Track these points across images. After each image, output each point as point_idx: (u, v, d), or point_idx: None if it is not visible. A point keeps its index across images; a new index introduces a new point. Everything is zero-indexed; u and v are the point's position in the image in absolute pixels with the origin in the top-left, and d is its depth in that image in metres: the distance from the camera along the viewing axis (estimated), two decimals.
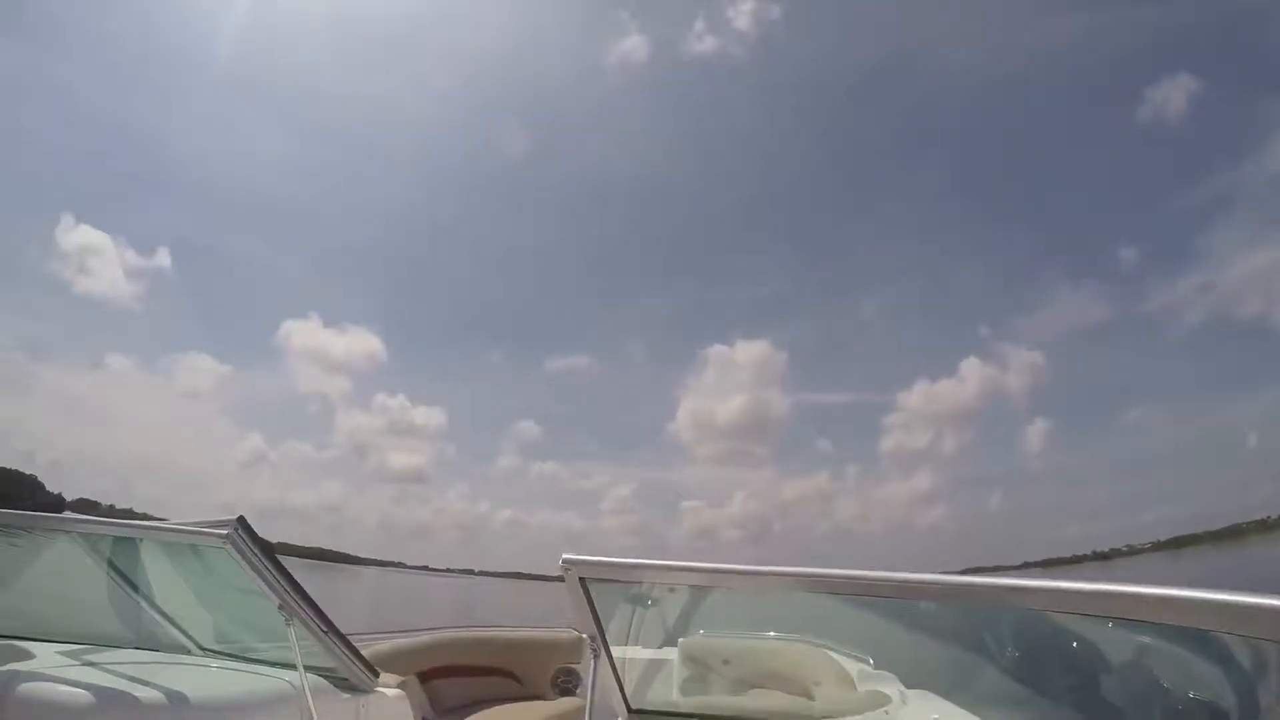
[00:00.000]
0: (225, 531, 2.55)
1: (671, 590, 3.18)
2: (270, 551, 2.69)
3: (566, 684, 5.51)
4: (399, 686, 3.28)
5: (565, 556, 2.13)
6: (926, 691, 2.98)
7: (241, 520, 2.60)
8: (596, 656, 2.47)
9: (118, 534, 3.04)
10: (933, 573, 1.70)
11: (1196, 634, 1.47)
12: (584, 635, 2.48)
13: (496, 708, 4.81)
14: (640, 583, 2.59)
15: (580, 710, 3.13)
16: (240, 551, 2.57)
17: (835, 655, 3.37)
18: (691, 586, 3.13)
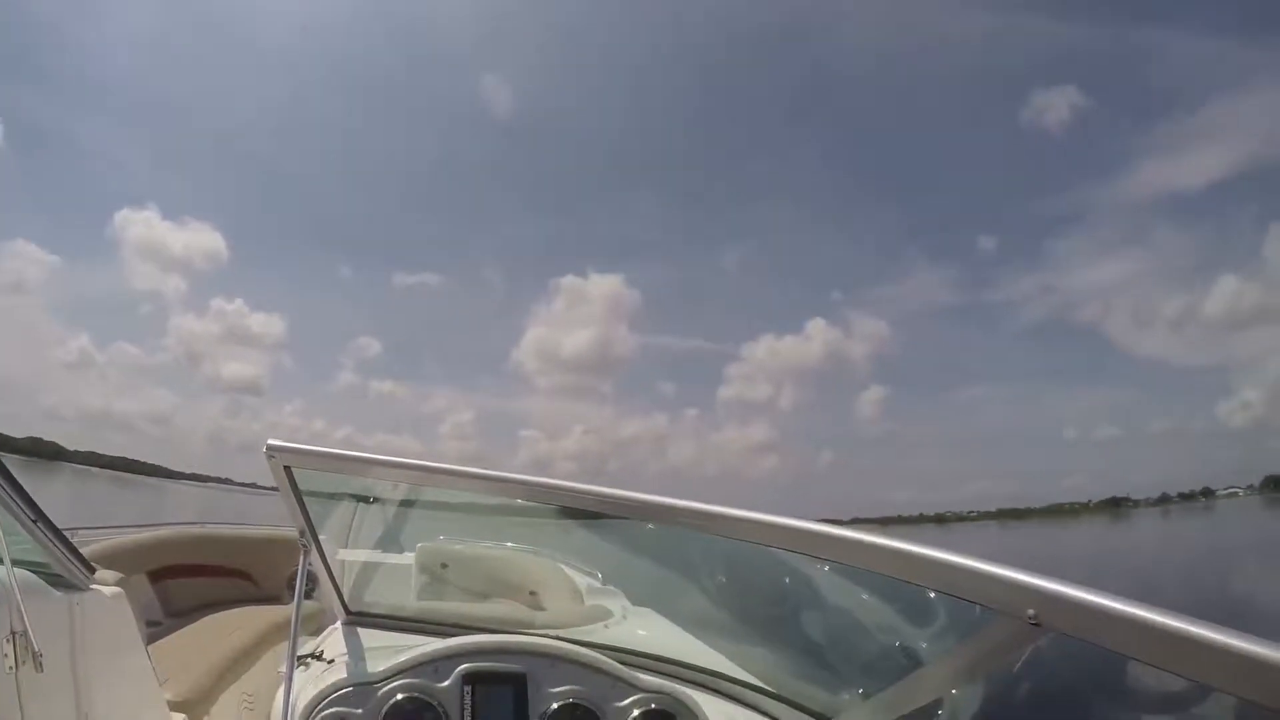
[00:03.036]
0: None
1: (400, 493, 3.06)
2: None
3: (305, 588, 5.16)
4: (119, 584, 2.83)
5: (270, 442, 1.97)
6: (648, 610, 3.03)
7: None
8: (306, 552, 2.31)
9: None
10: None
11: (899, 585, 1.47)
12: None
13: (229, 610, 4.51)
14: (349, 475, 2.39)
15: (318, 614, 2.84)
16: None
17: (566, 570, 3.37)
18: (425, 491, 2.99)
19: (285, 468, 2.02)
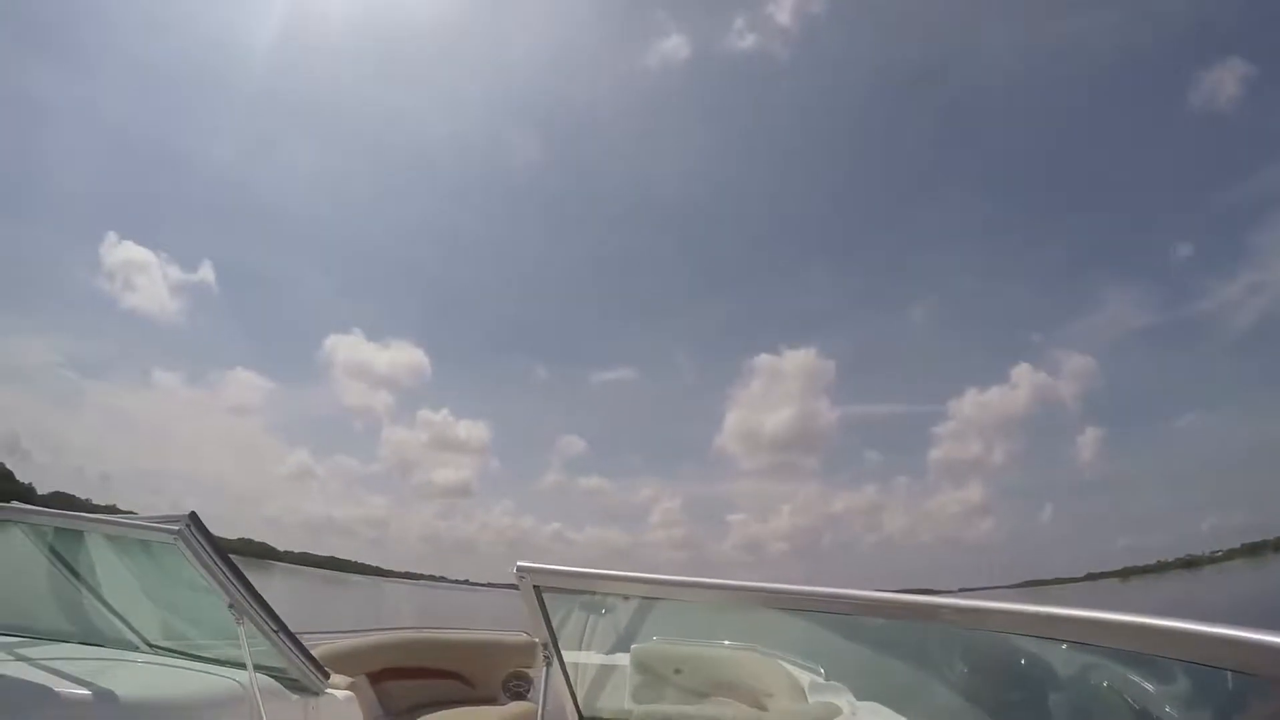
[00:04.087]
0: (177, 528, 2.52)
1: (625, 599, 3.13)
2: (221, 550, 2.66)
3: (518, 688, 5.40)
4: (349, 688, 3.24)
5: (519, 564, 2.14)
6: (877, 704, 2.97)
7: (193, 516, 2.57)
8: (550, 663, 2.45)
9: (64, 525, 2.97)
10: (926, 591, 1.83)
11: (1144, 659, 1.49)
12: (537, 641, 2.47)
13: (446, 710, 4.73)
14: (594, 592, 2.58)
15: (531, 715, 3.07)
16: (191, 548, 2.54)
17: (787, 666, 3.35)
18: (644, 597, 3.17)
19: (535, 587, 2.18)
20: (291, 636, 2.84)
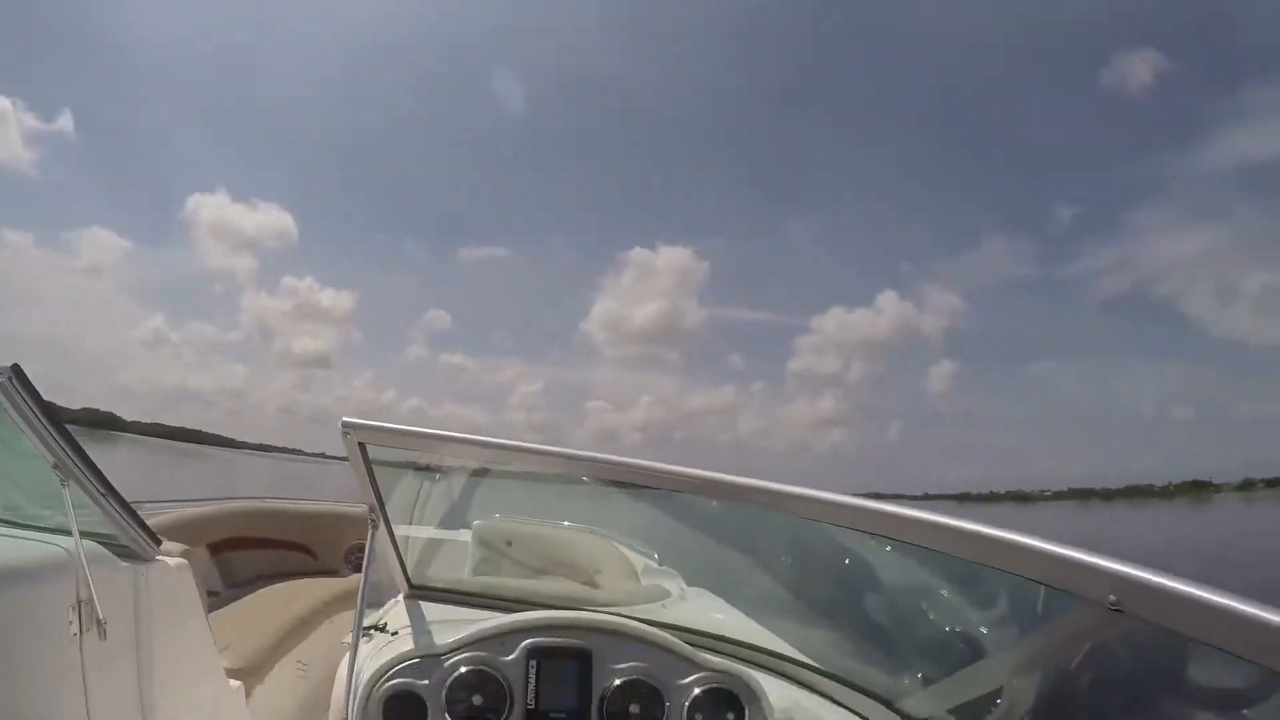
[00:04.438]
0: None
1: (465, 471, 3.13)
2: (48, 406, 2.30)
3: (359, 560, 5.33)
4: (183, 555, 2.97)
5: (345, 419, 1.99)
6: (704, 590, 3.01)
7: (16, 369, 2.18)
8: (375, 527, 2.31)
9: None
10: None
11: (967, 567, 1.47)
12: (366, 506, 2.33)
13: (287, 582, 4.63)
14: (425, 453, 2.44)
15: (374, 588, 2.92)
16: (12, 402, 2.20)
17: (623, 549, 3.38)
18: (487, 471, 3.12)
19: (360, 444, 2.04)
20: (121, 501, 2.57)
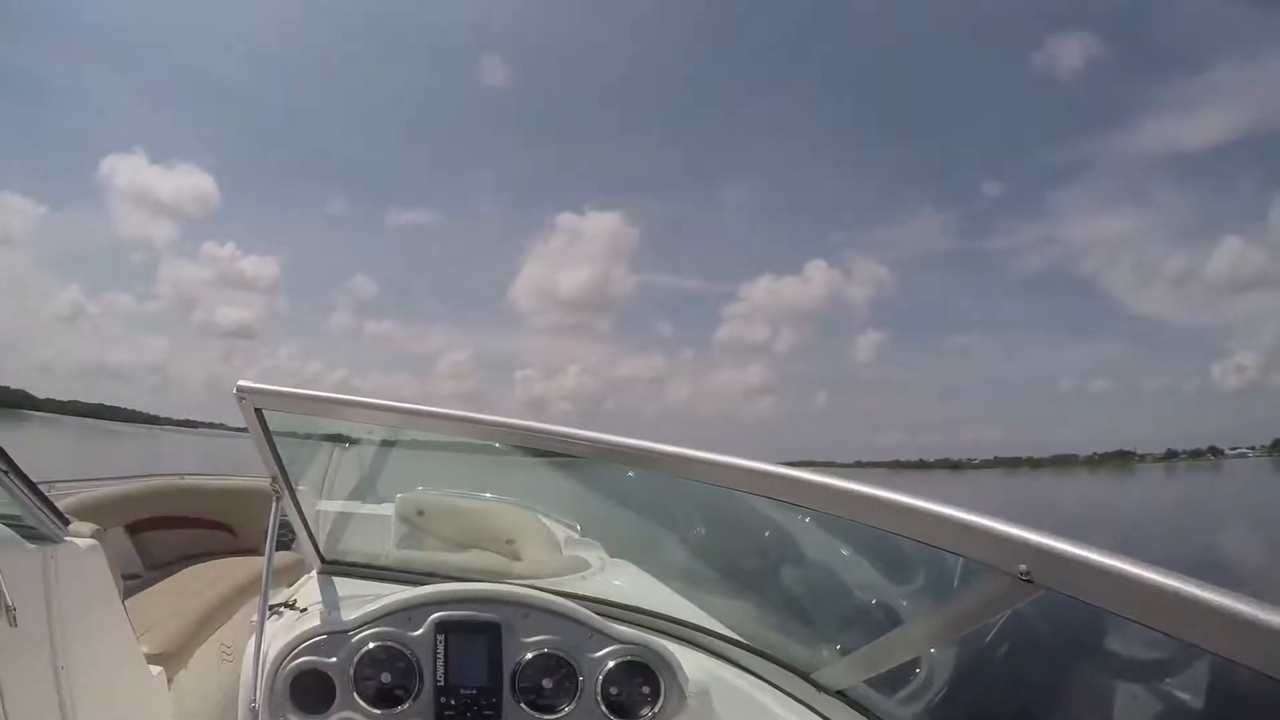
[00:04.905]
0: None
1: (378, 437, 3.02)
2: None
3: (284, 538, 5.16)
4: (98, 537, 2.77)
5: (240, 383, 1.86)
6: (626, 562, 2.98)
7: None
8: (278, 499, 2.21)
9: None
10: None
11: (884, 537, 1.43)
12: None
13: (208, 562, 4.42)
14: (324, 417, 2.25)
15: (296, 565, 2.78)
16: None
17: (545, 520, 3.33)
18: (404, 435, 2.96)
19: (256, 410, 1.92)
20: (25, 479, 2.40)
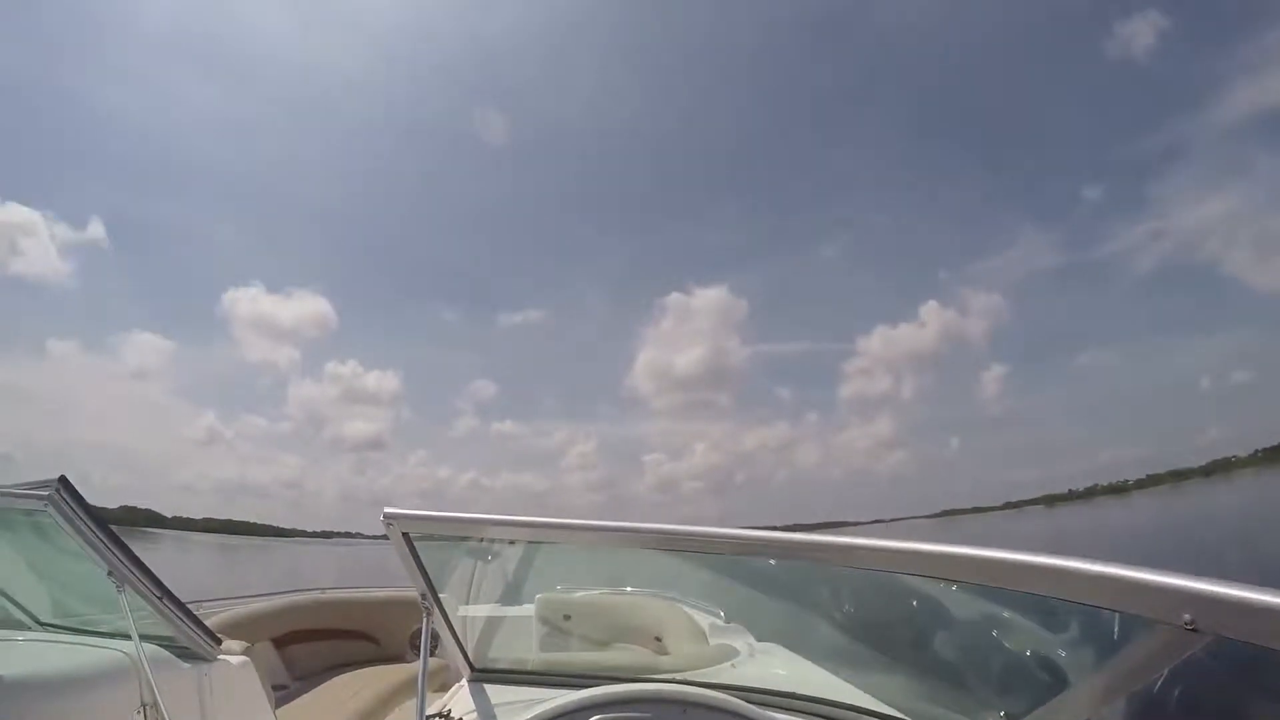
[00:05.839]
0: (46, 493, 2.33)
1: (512, 544, 3.03)
2: (96, 514, 2.47)
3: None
4: (245, 653, 3.07)
5: (387, 510, 2.05)
6: (775, 645, 2.97)
7: (63, 480, 2.38)
8: (429, 614, 2.35)
9: None
10: (840, 524, 1.57)
11: (1035, 599, 1.40)
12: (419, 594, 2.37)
13: (354, 671, 4.65)
14: (469, 538, 2.45)
15: (439, 670, 2.92)
16: (63, 514, 2.36)
17: (688, 609, 3.31)
18: (536, 543, 3.01)
19: (404, 534, 2.08)
20: (176, 602, 2.70)
